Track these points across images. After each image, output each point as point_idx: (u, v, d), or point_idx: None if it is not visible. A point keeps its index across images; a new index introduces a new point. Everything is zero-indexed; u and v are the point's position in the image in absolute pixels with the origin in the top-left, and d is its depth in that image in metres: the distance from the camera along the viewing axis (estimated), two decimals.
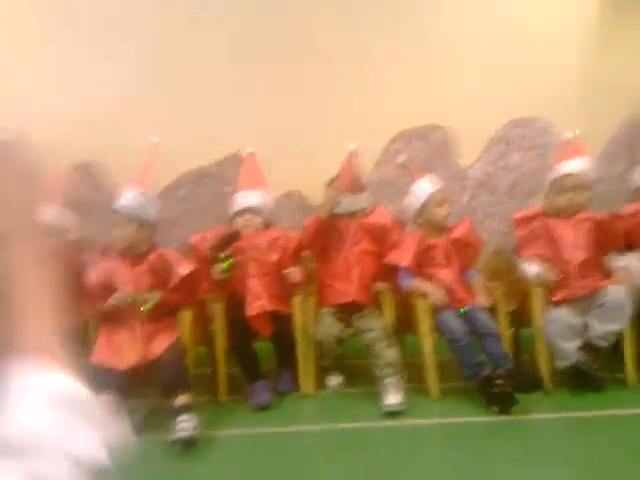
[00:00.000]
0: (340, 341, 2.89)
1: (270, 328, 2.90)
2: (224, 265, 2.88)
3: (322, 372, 3.00)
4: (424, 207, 2.99)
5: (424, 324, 2.81)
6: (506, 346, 2.78)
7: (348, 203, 3.01)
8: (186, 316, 2.82)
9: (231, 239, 2.95)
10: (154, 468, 2.25)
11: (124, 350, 2.55)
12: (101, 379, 2.43)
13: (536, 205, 3.16)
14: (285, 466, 2.22)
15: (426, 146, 3.85)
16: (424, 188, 3.02)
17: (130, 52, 3.73)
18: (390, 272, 2.98)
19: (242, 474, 2.20)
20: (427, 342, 2.79)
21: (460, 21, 3.80)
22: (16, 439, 0.67)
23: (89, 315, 2.82)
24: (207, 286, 2.94)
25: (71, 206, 3.05)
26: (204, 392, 2.84)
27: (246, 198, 3.13)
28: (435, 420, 2.56)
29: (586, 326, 2.71)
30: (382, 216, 3.10)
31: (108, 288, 2.69)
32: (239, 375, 2.88)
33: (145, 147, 2.88)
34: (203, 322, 2.99)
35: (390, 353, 2.73)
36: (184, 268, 2.74)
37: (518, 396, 2.47)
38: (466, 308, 2.81)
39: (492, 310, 2.87)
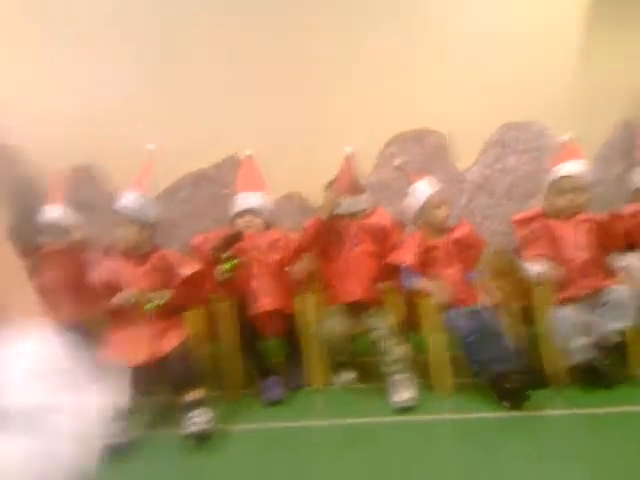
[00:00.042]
0: (349, 338, 2.91)
1: (275, 327, 2.92)
2: (227, 266, 2.89)
3: (335, 368, 3.02)
4: (423, 209, 3.01)
5: (429, 323, 2.82)
6: (514, 343, 2.79)
7: (348, 204, 3.03)
8: (195, 314, 2.84)
9: (233, 240, 2.96)
10: (167, 463, 2.26)
11: (133, 347, 2.54)
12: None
13: (535, 206, 3.19)
14: (296, 460, 2.22)
15: (422, 149, 3.88)
16: (422, 190, 3.05)
17: (129, 54, 3.73)
18: (392, 272, 2.99)
19: (254, 468, 2.20)
20: (432, 340, 2.80)
21: (455, 24, 3.83)
22: (14, 408, 0.68)
23: (93, 314, 2.80)
24: (211, 286, 2.93)
25: (73, 206, 3.06)
26: (216, 388, 2.82)
27: (246, 199, 3.15)
28: (446, 416, 2.56)
29: (592, 324, 2.73)
30: (382, 217, 3.11)
31: (112, 287, 2.69)
32: (250, 371, 2.90)
33: (144, 149, 2.88)
34: (213, 319, 2.99)
35: (399, 349, 2.74)
36: (187, 269, 2.75)
37: (529, 392, 2.48)
38: (472, 307, 2.82)
39: (498, 309, 2.88)
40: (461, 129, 3.78)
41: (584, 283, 2.80)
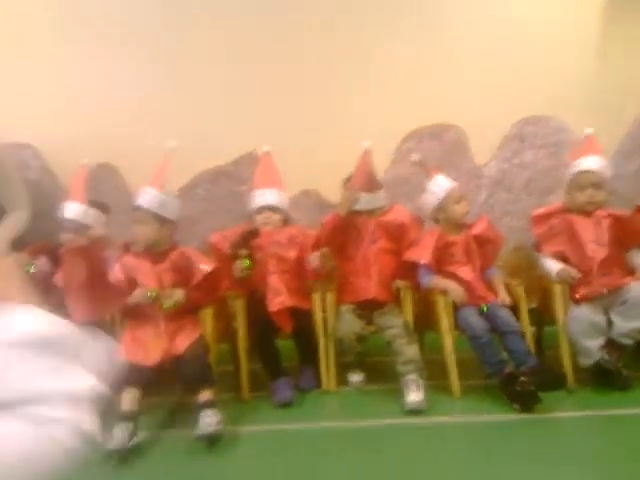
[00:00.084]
0: (361, 338, 2.90)
1: (291, 324, 2.91)
2: (245, 263, 2.91)
3: (344, 369, 3.00)
4: (442, 204, 2.99)
5: (444, 321, 2.81)
6: (528, 343, 2.78)
7: (366, 201, 3.02)
8: (208, 313, 2.84)
9: (250, 236, 2.98)
10: (178, 463, 2.26)
11: (149, 346, 2.56)
12: (128, 375, 2.46)
13: (554, 202, 3.17)
14: (306, 462, 2.22)
15: (439, 145, 3.86)
16: (441, 185, 3.02)
17: (145, 53, 3.76)
18: (409, 269, 2.98)
19: (264, 470, 2.20)
20: (447, 339, 2.79)
21: (472, 19, 3.82)
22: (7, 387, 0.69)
23: (113, 311, 2.83)
24: (228, 283, 2.95)
25: (93, 204, 3.09)
26: (227, 389, 2.85)
27: (264, 196, 3.16)
28: (457, 418, 2.56)
29: (609, 323, 2.71)
30: (400, 214, 3.10)
31: (131, 285, 2.71)
32: (261, 372, 2.90)
33: (161, 147, 2.90)
34: (225, 319, 3.00)
35: (410, 350, 2.74)
36: (205, 266, 2.75)
37: (541, 394, 2.46)
38: (486, 306, 2.80)
39: (513, 308, 2.87)
40: (479, 124, 3.76)
41: (603, 280, 2.77)
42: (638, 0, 3.79)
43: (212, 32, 3.76)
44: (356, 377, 2.99)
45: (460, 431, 2.47)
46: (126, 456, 2.26)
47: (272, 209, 3.13)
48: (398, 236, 3.05)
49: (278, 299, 2.89)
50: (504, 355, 2.67)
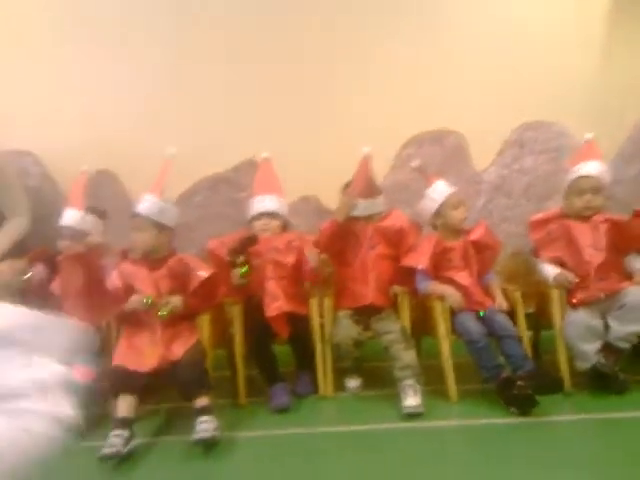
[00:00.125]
0: (358, 344, 2.90)
1: (288, 330, 2.91)
2: (242, 270, 2.91)
3: (341, 374, 3.00)
4: (440, 210, 2.99)
5: (441, 326, 2.80)
6: (525, 348, 2.77)
7: (365, 207, 3.02)
8: (205, 319, 2.84)
9: (248, 243, 2.97)
10: (174, 469, 2.26)
11: (145, 352, 2.57)
12: (122, 381, 2.47)
13: (553, 207, 3.16)
14: (304, 468, 2.21)
15: (440, 150, 3.86)
16: (440, 191, 3.02)
17: (145, 58, 3.77)
18: (407, 275, 2.97)
19: (261, 475, 2.20)
20: (445, 344, 2.79)
21: (473, 21, 3.81)
22: None
23: (110, 318, 2.84)
24: (225, 290, 2.95)
25: (91, 211, 3.10)
26: (223, 395, 2.85)
27: (263, 202, 3.16)
28: (454, 422, 2.55)
29: (606, 328, 2.70)
30: (399, 219, 3.10)
31: (129, 291, 2.72)
32: (258, 378, 2.90)
33: (161, 154, 2.91)
34: (222, 325, 3.01)
35: (408, 355, 2.73)
36: (203, 272, 2.76)
37: (538, 398, 2.45)
38: (483, 312, 2.81)
39: (511, 313, 2.86)
40: (479, 129, 3.75)
41: (600, 285, 2.76)
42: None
43: (212, 34, 3.76)
44: (353, 382, 2.99)
45: (458, 435, 2.47)
46: (122, 462, 2.27)
47: (271, 215, 3.14)
48: (396, 241, 3.05)
49: (275, 304, 2.89)
50: (501, 360, 2.67)
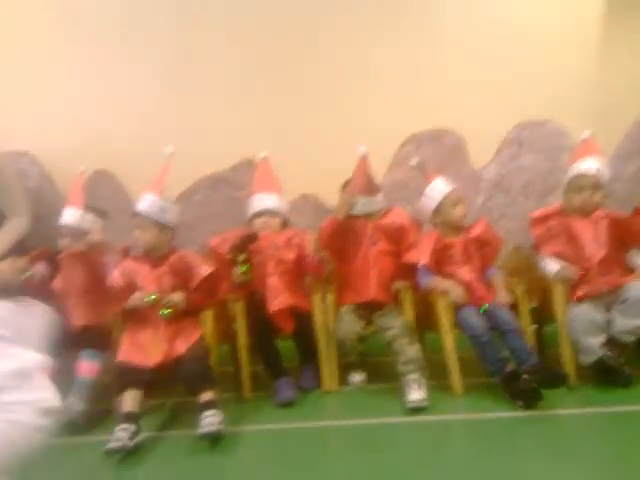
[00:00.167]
0: (362, 338, 2.91)
1: (292, 324, 2.92)
2: (243, 268, 2.92)
3: (345, 369, 3.00)
4: (440, 208, 2.99)
5: (444, 321, 2.81)
6: (529, 342, 2.77)
7: (364, 204, 3.04)
8: (208, 315, 2.85)
9: (249, 241, 2.98)
10: (180, 463, 2.26)
11: (149, 348, 2.57)
12: (127, 377, 2.47)
13: (551, 204, 3.17)
14: (308, 462, 2.21)
15: (438, 149, 3.87)
16: (439, 189, 3.03)
17: (144, 58, 3.78)
18: (408, 271, 2.98)
19: (266, 469, 2.19)
20: (448, 339, 2.79)
21: (469, 23, 3.84)
22: None
23: (113, 315, 2.83)
24: (227, 286, 2.95)
25: (91, 210, 3.09)
26: (228, 389, 2.85)
27: (263, 200, 3.17)
28: (459, 415, 2.55)
29: (609, 322, 2.70)
30: (399, 216, 3.12)
31: (131, 289, 2.72)
32: (262, 373, 2.90)
33: (160, 153, 2.91)
34: (225, 321, 3.01)
35: (411, 350, 2.73)
36: (205, 269, 2.76)
37: (543, 392, 2.45)
38: (486, 306, 2.80)
39: (513, 307, 2.87)
40: (477, 128, 3.77)
41: (602, 280, 2.77)
42: (639, 2, 3.82)
43: (210, 36, 3.78)
44: (357, 377, 2.99)
45: (462, 428, 2.47)
46: (128, 456, 2.26)
47: (271, 213, 3.14)
48: (397, 238, 3.06)
49: (278, 299, 2.88)
50: (506, 353, 2.66)
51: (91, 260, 2.90)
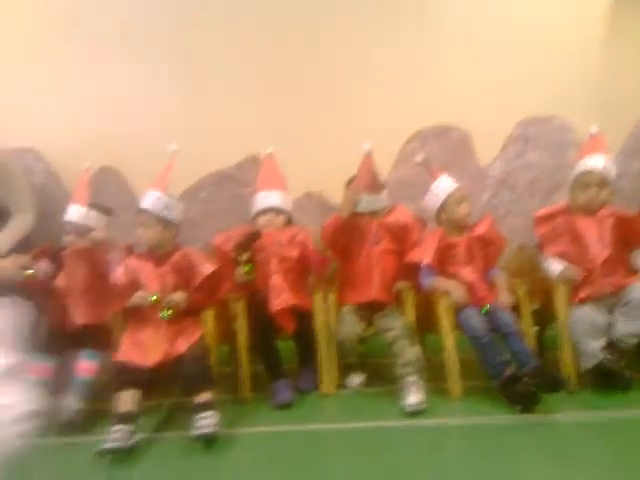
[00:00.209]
0: (362, 340, 2.90)
1: (293, 324, 2.92)
2: (246, 268, 2.91)
3: (344, 370, 2.99)
4: (444, 205, 2.98)
5: (445, 322, 2.79)
6: (530, 344, 2.76)
7: (368, 202, 3.02)
8: (209, 315, 2.85)
9: (253, 239, 2.97)
10: (176, 464, 2.26)
11: (149, 347, 2.57)
12: (126, 376, 2.47)
13: (557, 202, 3.15)
14: (304, 464, 2.20)
15: (444, 146, 3.86)
16: (444, 186, 3.01)
17: (149, 55, 3.79)
18: (411, 271, 2.96)
19: (263, 471, 2.19)
20: (449, 340, 2.78)
21: (474, 19, 3.83)
22: None
23: (115, 313, 2.84)
24: (230, 285, 2.95)
25: (95, 207, 3.10)
26: (226, 390, 2.85)
27: (268, 198, 3.16)
28: (457, 419, 2.53)
29: (611, 324, 2.69)
30: (403, 215, 3.10)
31: (134, 286, 2.72)
32: (261, 373, 2.89)
33: (164, 151, 2.91)
34: (226, 320, 3.00)
35: (411, 352, 2.72)
36: (207, 267, 2.77)
37: (542, 396, 2.44)
38: (488, 306, 2.79)
39: (515, 308, 2.85)
40: (483, 124, 3.74)
41: (606, 281, 2.76)
42: None
43: (213, 33, 3.78)
44: (357, 379, 2.99)
45: (460, 432, 2.45)
46: (124, 457, 2.27)
47: (276, 211, 3.13)
48: (401, 237, 3.05)
49: (280, 298, 2.88)
50: (507, 356, 2.64)
51: (94, 257, 2.90)
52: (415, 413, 2.55)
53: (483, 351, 2.65)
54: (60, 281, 2.93)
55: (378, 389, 2.89)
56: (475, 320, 2.70)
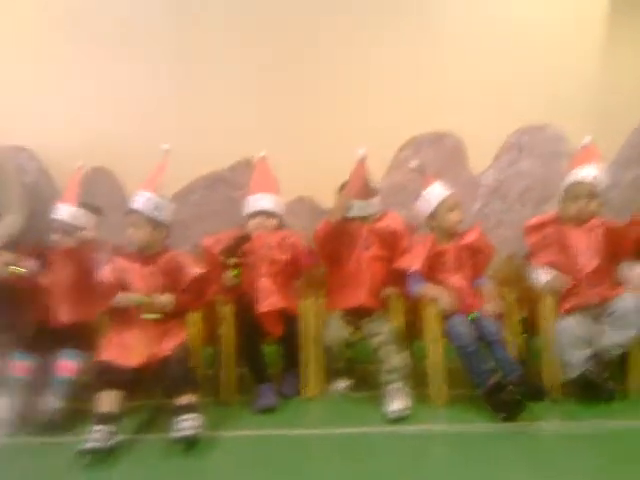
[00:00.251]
0: (349, 345, 2.89)
1: (280, 327, 2.91)
2: (234, 272, 2.91)
3: (330, 375, 2.98)
4: (435, 212, 2.98)
5: (432, 329, 2.79)
6: (516, 353, 2.76)
7: (359, 208, 3.02)
8: (195, 317, 2.84)
9: (242, 242, 2.97)
10: (153, 467, 2.25)
11: (133, 348, 2.56)
12: (108, 377, 2.46)
13: (549, 212, 3.15)
14: (287, 469, 2.19)
15: (437, 153, 3.85)
16: (436, 193, 3.01)
17: (143, 56, 3.77)
18: (400, 277, 2.96)
19: (242, 475, 2.18)
20: (434, 347, 2.77)
21: (471, 26, 3.80)
22: None
23: (100, 313, 2.84)
24: (217, 288, 2.95)
25: (85, 206, 3.10)
26: (209, 393, 2.83)
27: (259, 201, 3.15)
28: (441, 427, 2.53)
29: (596, 335, 2.69)
30: (393, 221, 3.09)
31: (120, 286, 2.72)
32: (245, 376, 2.88)
33: (157, 150, 2.92)
34: (212, 323, 2.99)
35: (397, 358, 2.72)
36: (195, 270, 2.76)
37: (525, 404, 2.45)
38: (475, 314, 2.78)
39: (502, 317, 2.85)
40: (477, 132, 3.74)
41: (592, 292, 2.76)
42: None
43: (213, 33, 3.77)
44: (342, 383, 2.97)
45: (444, 440, 2.44)
46: (103, 457, 2.26)
47: (267, 214, 3.12)
48: (391, 243, 3.04)
49: (268, 300, 2.88)
50: (492, 364, 2.63)
51: (81, 257, 2.90)
52: (398, 419, 2.54)
53: (469, 359, 2.64)
54: (45, 279, 2.93)
55: (364, 394, 2.88)
56: (462, 328, 2.70)
